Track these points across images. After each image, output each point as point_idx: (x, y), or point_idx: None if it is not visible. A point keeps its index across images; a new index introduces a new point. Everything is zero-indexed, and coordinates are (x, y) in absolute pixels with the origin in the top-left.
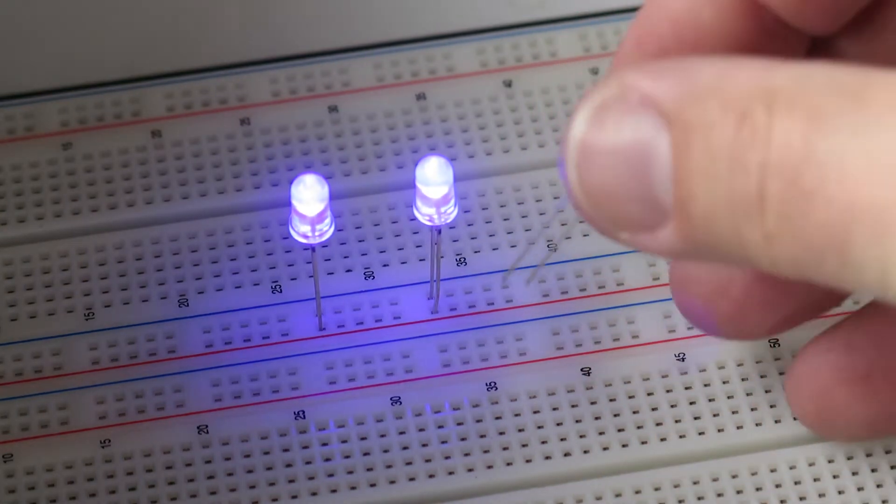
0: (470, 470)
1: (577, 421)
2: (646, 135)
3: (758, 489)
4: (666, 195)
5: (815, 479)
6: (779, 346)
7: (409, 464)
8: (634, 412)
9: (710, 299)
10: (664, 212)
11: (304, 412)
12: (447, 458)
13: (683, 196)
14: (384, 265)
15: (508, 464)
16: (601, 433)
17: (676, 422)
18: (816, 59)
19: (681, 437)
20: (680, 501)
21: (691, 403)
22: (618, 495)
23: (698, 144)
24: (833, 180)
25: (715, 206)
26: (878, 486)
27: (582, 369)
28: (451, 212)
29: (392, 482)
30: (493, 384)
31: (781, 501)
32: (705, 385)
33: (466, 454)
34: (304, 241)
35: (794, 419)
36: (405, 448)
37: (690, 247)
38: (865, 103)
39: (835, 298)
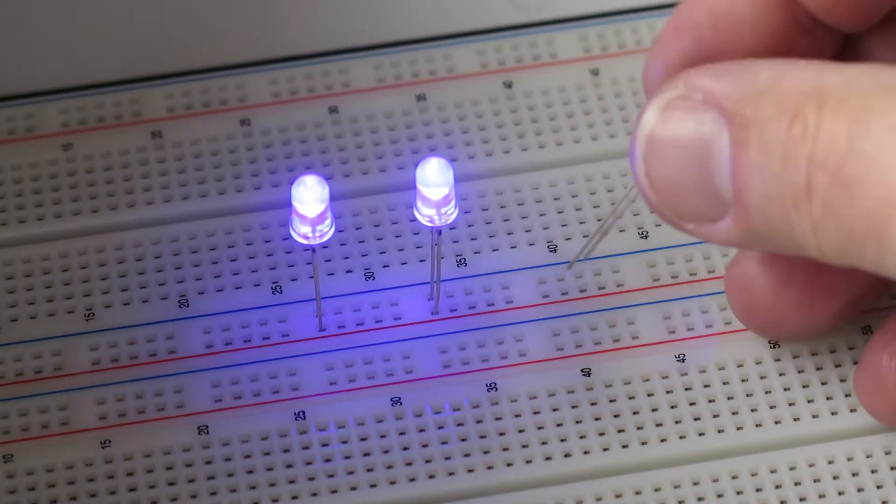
0: (470, 471)
1: (577, 422)
2: (707, 131)
3: (758, 490)
4: (726, 188)
5: (815, 481)
6: (778, 347)
7: (409, 464)
8: (634, 413)
9: (771, 291)
10: (725, 203)
11: (304, 413)
12: (447, 458)
13: (741, 188)
14: (384, 266)
15: (509, 464)
16: (601, 434)
17: (676, 423)
18: (863, 62)
19: (681, 437)
20: (680, 502)
21: (691, 404)
22: (618, 496)
23: (754, 140)
24: (872, 173)
25: (769, 197)
26: (878, 487)
27: (582, 370)
28: (451, 213)
29: (392, 483)
30: (493, 385)
31: (781, 502)
32: (705, 386)
33: (467, 455)
34: (304, 241)
35: (795, 420)
36: (405, 449)
37: (748, 237)
38: None
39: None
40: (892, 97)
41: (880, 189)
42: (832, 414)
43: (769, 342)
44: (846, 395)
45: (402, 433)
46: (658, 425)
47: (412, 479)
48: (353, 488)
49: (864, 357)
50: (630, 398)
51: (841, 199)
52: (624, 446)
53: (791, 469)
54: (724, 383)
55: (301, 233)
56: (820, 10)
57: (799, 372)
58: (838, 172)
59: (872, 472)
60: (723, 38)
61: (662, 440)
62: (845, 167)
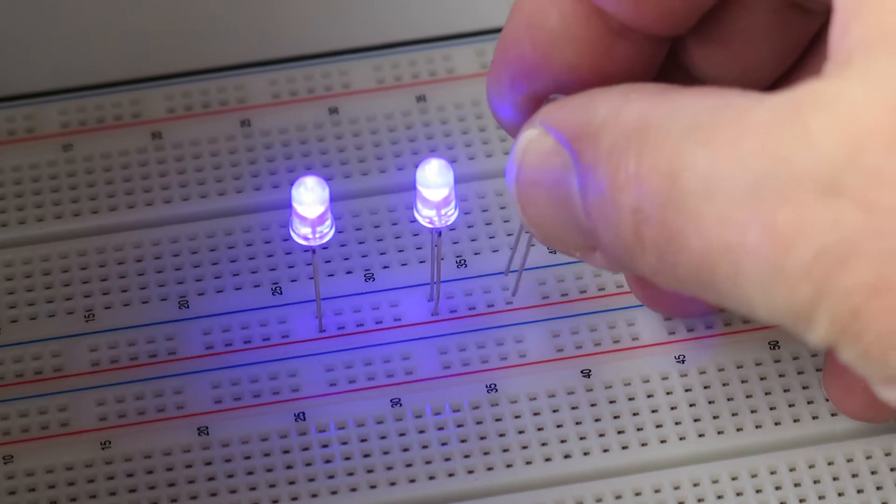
0: (470, 472)
1: (577, 423)
2: (561, 172)
3: (758, 491)
4: (587, 225)
5: (814, 482)
6: (779, 348)
7: (409, 466)
8: (634, 414)
9: None
10: (592, 237)
11: (304, 414)
12: (447, 459)
13: (592, 229)
14: (384, 267)
15: (509, 466)
16: (601, 435)
17: (676, 424)
18: (696, 87)
19: (681, 439)
20: (680, 503)
21: (691, 405)
22: (618, 497)
23: (592, 184)
24: (689, 226)
25: (613, 241)
26: (878, 488)
27: (582, 371)
28: (451, 214)
29: (392, 484)
30: (493, 386)
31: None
32: (705, 387)
33: (467, 456)
34: (304, 243)
35: (795, 422)
36: (405, 450)
37: (620, 268)
38: (711, 145)
39: None
40: (703, 141)
41: (699, 243)
42: (832, 415)
43: (769, 344)
44: None
45: (402, 434)
46: (658, 426)
47: (412, 481)
48: (353, 489)
49: (826, 360)
50: (630, 399)
51: (669, 250)
52: (624, 447)
53: (791, 470)
54: (723, 385)
55: (301, 234)
56: (625, 18)
57: (799, 373)
58: (661, 224)
59: (872, 473)
60: (543, 52)
61: (662, 441)
62: (665, 220)
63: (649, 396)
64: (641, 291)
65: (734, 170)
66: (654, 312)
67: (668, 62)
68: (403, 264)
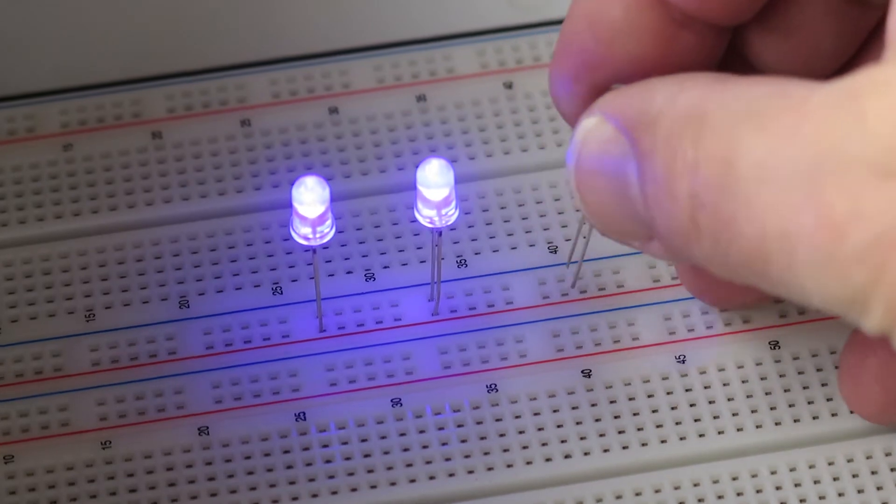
0: (470, 472)
1: (577, 423)
2: (621, 160)
3: (758, 491)
4: (646, 214)
5: (815, 482)
6: (779, 348)
7: (409, 466)
8: (635, 414)
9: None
10: (650, 226)
11: (304, 414)
12: (448, 459)
13: (650, 218)
14: (385, 267)
15: (509, 466)
16: (601, 435)
17: (677, 424)
18: (753, 58)
19: (681, 439)
20: (680, 503)
21: (691, 405)
22: (618, 497)
23: (649, 172)
24: (744, 213)
25: (670, 229)
26: (878, 488)
27: (582, 371)
28: (451, 214)
29: (393, 484)
30: (493, 386)
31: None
32: (705, 387)
33: (467, 456)
34: (304, 242)
35: (795, 422)
36: (406, 450)
37: (677, 257)
38: (768, 131)
39: None
40: (760, 127)
41: (753, 229)
42: (832, 415)
43: (769, 344)
44: None
45: (402, 434)
46: (658, 426)
47: (412, 481)
48: (354, 489)
49: (842, 359)
50: (630, 399)
51: (724, 237)
52: (624, 447)
53: (791, 470)
54: (724, 384)
55: (301, 234)
56: (689, 7)
57: (799, 373)
58: (716, 211)
59: (872, 473)
60: (605, 46)
61: (663, 441)
62: (721, 206)
63: (650, 396)
64: (693, 282)
65: (789, 156)
66: (655, 313)
67: (729, 53)
68: (404, 264)
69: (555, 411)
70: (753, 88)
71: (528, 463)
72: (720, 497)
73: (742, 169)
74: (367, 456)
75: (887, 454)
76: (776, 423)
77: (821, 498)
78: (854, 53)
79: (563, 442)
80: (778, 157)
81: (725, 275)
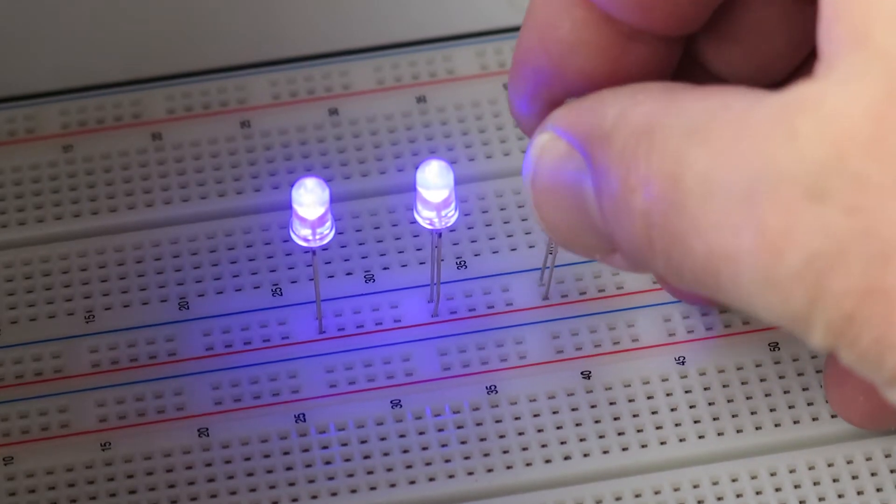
0: (470, 473)
1: (577, 424)
2: (575, 175)
3: (757, 493)
4: (605, 228)
5: (814, 483)
6: (779, 349)
7: (409, 467)
8: (634, 416)
9: None
10: (611, 240)
11: (304, 415)
12: (447, 461)
13: (610, 232)
14: (384, 268)
15: (508, 467)
16: (601, 437)
17: (676, 425)
18: (702, 87)
19: (681, 440)
20: None
21: (691, 407)
22: (618, 499)
23: (605, 187)
24: (692, 229)
25: (629, 242)
26: (878, 490)
27: (582, 373)
28: (451, 215)
29: (392, 485)
30: (493, 387)
31: None
32: (705, 389)
33: (466, 457)
34: (304, 244)
35: (795, 423)
36: (405, 451)
37: (638, 270)
38: (710, 146)
39: None
40: (703, 142)
41: (702, 245)
42: (832, 417)
43: (769, 345)
44: None
45: (401, 436)
46: (658, 428)
47: (412, 482)
48: (353, 491)
49: (826, 366)
50: (630, 401)
51: (675, 254)
52: (624, 449)
53: (791, 472)
54: (724, 386)
55: (301, 235)
56: (634, 21)
57: (799, 375)
58: (666, 228)
59: (872, 474)
60: (557, 61)
61: (662, 443)
62: (671, 223)
63: (649, 398)
64: (668, 286)
65: (730, 172)
66: (654, 315)
67: (687, 61)
68: (403, 265)
69: (554, 413)
70: (698, 101)
71: (528, 464)
72: (720, 499)
73: (688, 185)
74: (366, 457)
75: (887, 455)
76: (776, 425)
77: (820, 500)
78: (810, 51)
79: (562, 443)
80: (719, 172)
81: (685, 288)
